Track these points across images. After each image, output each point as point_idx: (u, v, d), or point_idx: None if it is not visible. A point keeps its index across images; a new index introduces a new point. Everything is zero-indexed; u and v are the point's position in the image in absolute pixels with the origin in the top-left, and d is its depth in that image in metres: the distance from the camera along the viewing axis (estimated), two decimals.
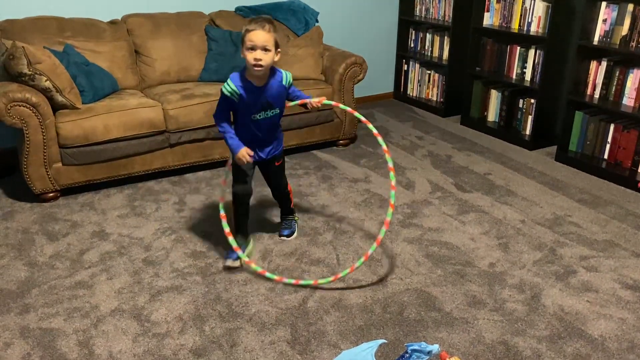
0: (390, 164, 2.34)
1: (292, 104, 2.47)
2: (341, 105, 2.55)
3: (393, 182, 2.30)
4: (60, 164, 3.06)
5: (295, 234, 2.75)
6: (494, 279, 2.42)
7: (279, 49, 2.22)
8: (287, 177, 2.68)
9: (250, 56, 2.15)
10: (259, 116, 2.32)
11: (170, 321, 2.15)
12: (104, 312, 2.20)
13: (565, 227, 2.87)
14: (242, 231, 2.56)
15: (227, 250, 2.49)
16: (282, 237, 2.72)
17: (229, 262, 2.45)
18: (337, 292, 2.32)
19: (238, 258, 2.43)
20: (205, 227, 2.85)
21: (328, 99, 3.61)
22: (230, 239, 2.39)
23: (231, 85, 2.23)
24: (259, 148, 2.42)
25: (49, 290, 2.33)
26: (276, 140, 2.49)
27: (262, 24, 2.14)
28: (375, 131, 2.42)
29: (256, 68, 2.17)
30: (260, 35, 2.13)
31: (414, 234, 2.79)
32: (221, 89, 2.26)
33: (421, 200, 3.16)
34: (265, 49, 2.15)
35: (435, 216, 2.97)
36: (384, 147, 2.35)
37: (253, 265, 2.39)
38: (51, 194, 3.10)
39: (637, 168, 3.39)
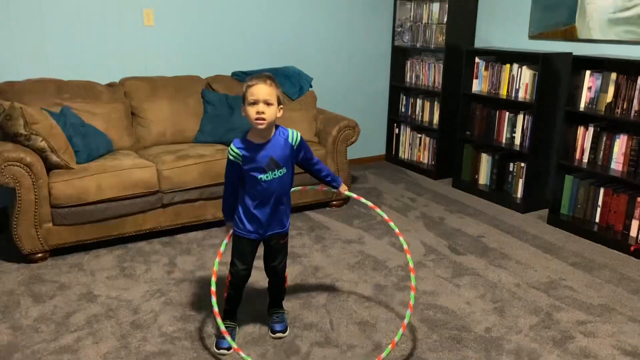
0: (406, 246, 2.30)
1: (320, 187, 2.46)
2: (362, 199, 2.45)
3: (411, 266, 2.28)
4: (50, 224, 3.02)
5: (287, 329, 2.44)
6: (490, 345, 2.37)
7: (281, 105, 2.12)
8: (286, 263, 2.42)
9: (252, 110, 2.05)
10: (267, 177, 2.14)
11: None
12: None
13: (561, 291, 2.85)
14: (232, 316, 2.39)
15: (217, 338, 2.33)
16: (277, 334, 2.39)
17: (221, 351, 2.28)
18: (332, 359, 2.25)
19: (229, 347, 2.25)
20: (195, 289, 2.79)
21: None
22: (219, 320, 2.19)
23: (233, 148, 2.14)
24: (267, 218, 2.22)
25: (31, 355, 2.25)
26: (284, 213, 2.28)
27: (263, 79, 2.06)
28: (385, 217, 2.37)
29: (259, 122, 2.05)
30: (262, 89, 2.05)
31: (409, 298, 2.74)
32: (227, 156, 2.18)
33: (415, 262, 3.13)
34: (268, 103, 2.05)
35: (429, 279, 2.94)
36: (396, 230, 2.33)
37: (242, 354, 2.17)
38: (40, 255, 3.05)
39: (629, 231, 3.40)
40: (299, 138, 2.20)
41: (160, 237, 3.40)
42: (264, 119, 2.05)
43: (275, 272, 2.38)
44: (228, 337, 2.16)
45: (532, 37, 4.15)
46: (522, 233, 3.60)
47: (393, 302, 2.70)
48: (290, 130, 2.20)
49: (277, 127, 2.18)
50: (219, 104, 3.85)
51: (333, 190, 2.41)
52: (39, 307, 2.61)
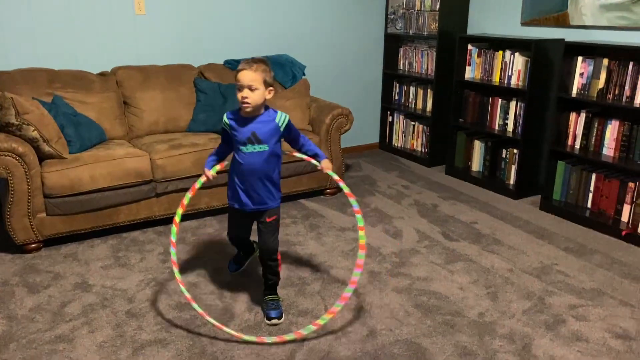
0: (361, 224, 2.33)
1: (300, 155, 2.46)
2: (342, 185, 2.44)
3: (361, 226, 2.32)
4: (44, 214, 3.02)
5: (283, 316, 2.47)
6: (484, 329, 2.39)
7: (270, 87, 2.23)
8: (276, 245, 2.45)
9: (239, 95, 2.20)
10: (247, 149, 2.27)
11: None
12: None
13: (553, 275, 2.88)
14: (245, 253, 2.77)
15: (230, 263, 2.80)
16: (273, 321, 2.41)
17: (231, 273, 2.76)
18: (326, 345, 2.27)
19: (237, 269, 2.78)
20: (190, 278, 2.80)
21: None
22: (194, 305, 2.27)
23: (225, 118, 2.33)
24: (245, 192, 2.34)
25: (27, 345, 2.25)
26: (268, 192, 2.36)
27: (250, 64, 2.18)
28: (347, 190, 2.41)
29: (243, 106, 2.21)
30: (246, 75, 2.17)
31: (403, 284, 2.76)
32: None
33: (409, 249, 3.15)
34: (252, 88, 2.17)
35: (423, 265, 2.96)
36: (356, 208, 2.37)
37: (226, 329, 2.25)
38: (34, 245, 3.04)
39: (621, 216, 3.43)
40: (286, 121, 2.32)
41: (155, 226, 3.40)
42: (248, 103, 2.19)
43: (265, 256, 2.44)
44: (183, 288, 2.30)
45: (524, 23, 4.15)
46: (514, 219, 3.63)
47: (387, 288, 2.72)
48: (279, 113, 2.32)
49: (267, 108, 2.31)
50: (211, 92, 3.84)
51: (317, 165, 2.44)
52: (34, 297, 2.61)
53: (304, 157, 2.46)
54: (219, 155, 2.44)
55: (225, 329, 2.27)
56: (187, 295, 2.28)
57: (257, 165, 2.30)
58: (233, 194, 2.39)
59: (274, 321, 2.41)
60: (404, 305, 2.57)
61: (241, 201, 2.36)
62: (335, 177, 2.45)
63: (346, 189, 2.40)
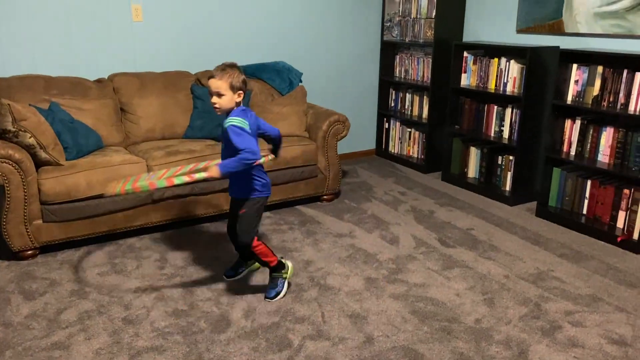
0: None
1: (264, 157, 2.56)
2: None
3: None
4: (40, 221, 3.01)
5: (282, 293, 2.67)
6: (480, 335, 2.40)
7: (239, 91, 2.42)
8: (252, 236, 2.56)
9: (211, 100, 2.43)
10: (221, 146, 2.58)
11: None
12: None
13: (549, 282, 2.88)
14: (241, 257, 2.87)
15: (226, 270, 2.87)
16: (267, 300, 2.64)
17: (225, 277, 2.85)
18: (323, 352, 2.27)
19: (232, 276, 2.84)
20: (187, 285, 2.80)
21: (313, 155, 3.68)
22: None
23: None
24: (230, 182, 2.64)
25: (23, 352, 2.24)
26: (237, 184, 2.58)
27: (216, 72, 2.39)
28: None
29: (215, 109, 2.44)
30: (213, 82, 2.39)
31: (400, 290, 2.77)
32: None
33: (405, 255, 3.16)
34: (219, 94, 2.39)
35: (420, 271, 2.97)
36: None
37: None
38: (30, 252, 3.04)
39: (616, 223, 3.45)
40: (226, 125, 2.40)
41: (151, 233, 3.40)
42: (217, 108, 2.43)
43: (238, 246, 2.70)
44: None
45: (519, 31, 4.18)
46: (511, 225, 3.64)
47: (384, 294, 2.72)
48: (231, 118, 2.41)
49: (234, 110, 2.44)
50: (208, 99, 3.82)
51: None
52: (30, 304, 2.60)
53: (189, 176, 2.40)
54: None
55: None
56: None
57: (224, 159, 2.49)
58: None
59: (268, 300, 2.64)
60: (400, 312, 2.57)
61: (231, 188, 2.65)
62: (198, 177, 2.38)
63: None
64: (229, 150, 2.42)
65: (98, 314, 2.53)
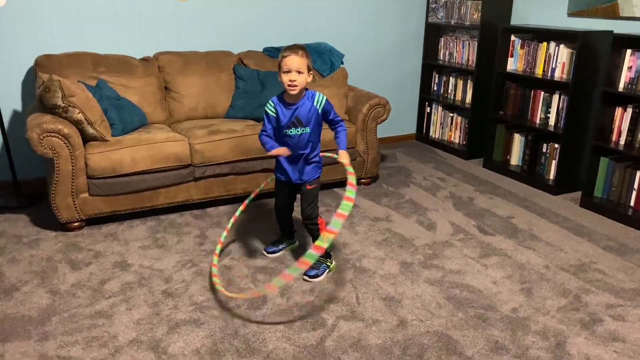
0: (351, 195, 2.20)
1: (327, 154, 2.78)
2: (349, 175, 2.37)
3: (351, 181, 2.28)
4: (86, 194, 3.12)
5: (321, 278, 2.68)
6: (516, 325, 2.36)
7: (310, 72, 2.49)
8: (318, 210, 2.72)
9: (286, 78, 2.44)
10: (291, 132, 2.55)
11: (188, 354, 2.14)
12: (122, 342, 2.20)
13: (591, 274, 2.81)
14: (284, 234, 2.96)
15: (267, 245, 2.95)
16: (304, 278, 2.67)
17: (269, 255, 2.91)
18: (356, 332, 2.29)
19: (273, 252, 2.90)
20: (225, 260, 2.85)
21: (352, 138, 3.67)
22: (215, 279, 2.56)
23: (270, 103, 2.58)
24: (290, 167, 2.62)
25: (68, 319, 2.35)
26: (308, 166, 2.63)
27: (295, 50, 2.43)
28: (353, 180, 2.32)
29: (291, 88, 2.45)
30: (294, 60, 2.42)
31: (435, 276, 2.75)
32: (264, 109, 2.58)
33: (442, 241, 3.13)
34: (299, 72, 2.43)
35: (456, 258, 2.94)
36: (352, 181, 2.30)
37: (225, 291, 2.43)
38: (76, 224, 3.16)
39: None
40: (323, 101, 2.56)
41: (192, 209, 3.47)
42: (295, 85, 2.44)
43: (306, 220, 2.70)
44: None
45: (571, 14, 4.02)
46: (553, 215, 3.55)
47: (419, 279, 2.71)
48: (317, 94, 2.56)
49: (306, 90, 2.55)
50: (250, 79, 3.87)
51: (334, 157, 2.64)
52: (76, 274, 2.71)
53: (322, 153, 2.69)
54: (273, 137, 2.64)
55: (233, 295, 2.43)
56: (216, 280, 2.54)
57: (301, 145, 2.57)
58: (279, 168, 2.67)
59: (306, 277, 2.67)
60: (435, 297, 2.56)
61: (286, 174, 2.64)
62: (351, 170, 2.40)
63: (352, 179, 2.31)
64: (316, 130, 2.57)
65: (139, 285, 2.61)
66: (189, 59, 3.84)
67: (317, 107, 2.54)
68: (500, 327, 2.35)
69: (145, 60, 3.80)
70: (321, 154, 2.69)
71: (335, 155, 2.63)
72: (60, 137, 2.95)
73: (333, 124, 2.64)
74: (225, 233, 2.86)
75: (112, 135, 3.24)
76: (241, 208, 2.91)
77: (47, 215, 3.24)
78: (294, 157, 2.59)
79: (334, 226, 2.07)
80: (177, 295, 2.54)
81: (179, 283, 2.64)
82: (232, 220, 2.88)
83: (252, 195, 2.99)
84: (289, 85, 2.44)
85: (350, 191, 2.20)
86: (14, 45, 3.55)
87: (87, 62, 3.53)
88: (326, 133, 2.79)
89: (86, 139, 3.12)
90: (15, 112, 3.68)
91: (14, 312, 2.39)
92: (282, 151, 2.54)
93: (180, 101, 3.77)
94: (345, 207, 2.11)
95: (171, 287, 2.61)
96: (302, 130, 2.54)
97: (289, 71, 2.42)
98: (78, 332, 2.26)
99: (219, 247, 2.81)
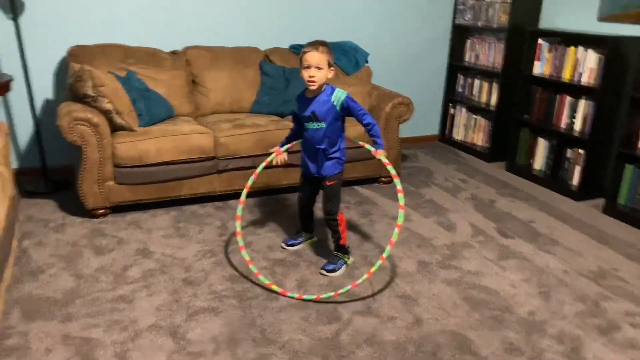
0: (402, 202, 2.46)
1: (361, 143, 2.74)
2: (390, 168, 2.58)
3: (400, 222, 2.45)
4: (112, 183, 3.20)
5: (337, 273, 2.71)
6: (533, 327, 2.36)
7: (332, 67, 2.51)
8: (339, 206, 2.74)
9: (306, 74, 2.48)
10: (308, 125, 2.60)
11: (205, 341, 2.19)
12: (142, 326, 2.26)
13: (611, 281, 2.78)
14: (304, 228, 2.97)
15: (288, 238, 3.00)
16: (321, 272, 2.71)
17: (287, 248, 2.95)
18: (371, 328, 2.31)
19: (292, 245, 2.94)
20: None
21: None
22: (244, 252, 2.63)
23: (296, 99, 2.68)
24: (310, 160, 2.68)
25: (91, 302, 2.41)
26: (328, 162, 2.65)
27: (316, 46, 2.46)
28: (399, 187, 2.54)
29: (310, 83, 2.49)
30: (313, 56, 2.45)
31: (453, 276, 2.75)
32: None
33: (461, 242, 3.13)
34: (318, 67, 2.45)
35: (475, 259, 2.94)
36: (399, 187, 2.52)
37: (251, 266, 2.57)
38: (102, 211, 3.24)
39: None
40: (342, 98, 2.54)
41: (214, 201, 3.53)
42: (314, 81, 2.48)
43: (326, 215, 2.72)
44: (243, 252, 2.64)
45: (601, 19, 3.97)
46: (575, 220, 3.52)
47: (436, 279, 2.72)
48: (336, 90, 2.56)
49: (327, 86, 2.56)
50: (276, 76, 3.91)
51: (370, 149, 2.65)
52: (100, 259, 2.78)
53: (360, 143, 2.73)
54: (292, 136, 2.77)
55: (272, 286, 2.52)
56: (247, 258, 2.62)
57: (317, 139, 2.60)
58: (302, 161, 2.73)
59: (322, 271, 2.71)
60: (452, 297, 2.56)
61: (307, 167, 2.70)
62: (393, 171, 2.56)
63: (398, 185, 2.53)
64: (333, 126, 2.58)
65: (160, 273, 2.67)
66: (217, 54, 3.90)
67: (335, 103, 2.54)
68: (515, 329, 2.34)
69: (174, 53, 3.87)
70: (356, 142, 2.77)
71: (367, 145, 2.67)
72: (89, 125, 3.03)
73: (359, 118, 2.61)
74: (238, 222, 2.66)
75: (139, 126, 3.31)
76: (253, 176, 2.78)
77: (74, 202, 3.33)
78: (312, 150, 2.64)
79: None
80: (196, 283, 2.59)
81: (199, 272, 2.69)
82: (240, 206, 2.69)
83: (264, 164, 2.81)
84: (308, 81, 2.48)
85: (401, 198, 2.45)
86: (48, 36, 3.65)
87: (118, 54, 3.61)
88: (347, 130, 2.80)
89: (114, 128, 3.19)
90: (47, 101, 3.78)
91: (40, 293, 2.46)
92: (277, 157, 2.74)
93: (207, 95, 3.82)
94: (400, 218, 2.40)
95: (191, 275, 2.66)
96: (318, 125, 2.57)
97: (308, 67, 2.46)
98: (100, 315, 2.32)
99: (240, 238, 2.71)
